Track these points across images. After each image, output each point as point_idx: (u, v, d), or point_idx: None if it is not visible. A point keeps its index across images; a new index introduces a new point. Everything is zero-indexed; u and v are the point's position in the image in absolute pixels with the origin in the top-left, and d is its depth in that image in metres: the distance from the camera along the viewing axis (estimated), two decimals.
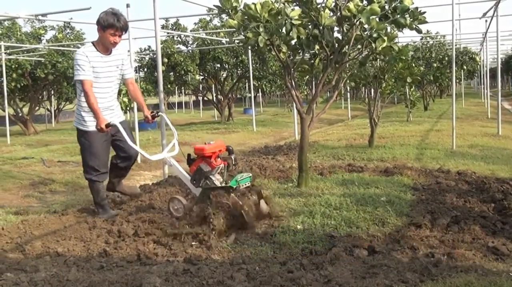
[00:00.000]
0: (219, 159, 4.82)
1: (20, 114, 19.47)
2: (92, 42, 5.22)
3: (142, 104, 5.57)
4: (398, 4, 5.22)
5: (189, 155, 5.01)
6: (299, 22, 5.19)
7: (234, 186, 4.55)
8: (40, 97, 21.35)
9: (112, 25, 5.01)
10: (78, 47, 18.92)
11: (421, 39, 20.93)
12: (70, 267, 3.73)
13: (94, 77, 5.04)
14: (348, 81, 10.29)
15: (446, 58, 20.18)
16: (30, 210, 5.87)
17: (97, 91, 5.08)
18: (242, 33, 5.47)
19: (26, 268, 3.71)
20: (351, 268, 3.56)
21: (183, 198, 4.97)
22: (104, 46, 5.15)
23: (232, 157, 4.94)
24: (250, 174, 4.84)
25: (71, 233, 4.68)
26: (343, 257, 3.79)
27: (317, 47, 5.71)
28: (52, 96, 24.43)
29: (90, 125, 5.11)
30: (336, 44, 5.58)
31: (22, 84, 18.40)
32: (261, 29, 5.12)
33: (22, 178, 8.23)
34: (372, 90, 10.23)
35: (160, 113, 5.63)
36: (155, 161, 9.39)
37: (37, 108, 21.39)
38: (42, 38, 18.75)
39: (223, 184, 4.69)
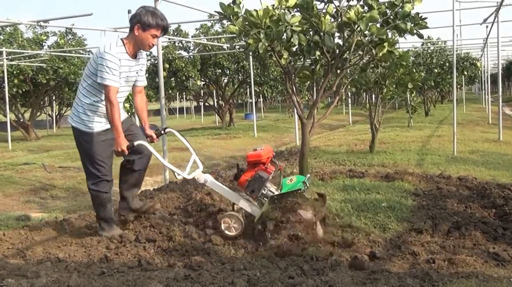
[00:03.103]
0: (270, 164, 4.51)
1: (22, 120, 19.50)
2: (122, 40, 4.48)
3: (145, 121, 4.87)
4: (399, 10, 5.24)
5: (237, 165, 4.64)
6: (300, 28, 5.21)
7: (302, 189, 4.26)
8: (41, 103, 21.39)
9: (158, 25, 4.39)
10: (80, 53, 19.05)
11: (422, 44, 20.95)
12: (71, 273, 3.73)
13: None
14: (349, 87, 10.30)
15: (447, 64, 20.19)
16: (32, 216, 5.88)
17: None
18: (243, 39, 5.49)
19: (27, 274, 3.71)
20: (352, 274, 3.57)
21: (239, 214, 4.45)
22: (136, 48, 4.50)
23: (276, 161, 4.66)
24: (308, 175, 4.56)
25: (72, 238, 4.68)
26: (344, 263, 3.79)
27: (318, 53, 5.72)
28: (54, 102, 24.51)
29: (95, 126, 4.50)
30: (337, 50, 5.60)
31: (24, 90, 18.46)
32: (262, 35, 5.14)
33: (23, 184, 8.24)
34: (373, 96, 10.22)
35: (168, 129, 4.91)
36: (156, 166, 9.43)
37: (38, 113, 21.44)
38: (43, 44, 18.80)
39: (278, 190, 4.39)
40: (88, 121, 4.50)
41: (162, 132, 4.87)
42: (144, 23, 4.34)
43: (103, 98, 4.42)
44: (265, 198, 4.41)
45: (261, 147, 4.58)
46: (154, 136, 4.81)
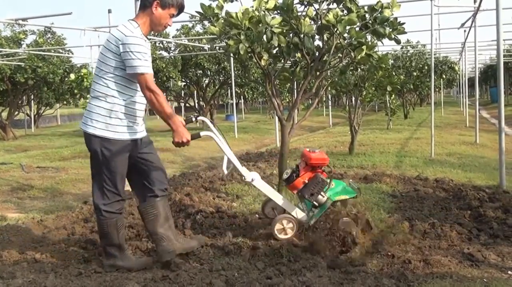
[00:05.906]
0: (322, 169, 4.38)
1: None
2: (137, 22, 3.81)
3: None
4: (379, 15, 5.31)
5: (297, 166, 4.45)
6: (280, 30, 5.24)
7: (355, 195, 4.26)
8: (19, 102, 21.09)
9: (178, 3, 3.85)
10: (59, 52, 18.85)
11: (402, 48, 21.21)
12: (48, 274, 3.70)
13: None
14: (329, 89, 10.38)
15: (426, 67, 20.45)
16: (8, 216, 5.80)
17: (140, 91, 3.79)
18: (224, 40, 5.50)
19: (3, 274, 3.67)
20: (329, 274, 3.60)
21: (293, 216, 4.31)
22: (149, 29, 3.88)
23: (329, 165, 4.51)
24: (350, 180, 4.50)
25: (50, 239, 4.64)
26: (322, 263, 3.83)
27: (298, 55, 5.76)
28: (32, 101, 24.17)
29: (126, 132, 3.78)
30: (317, 52, 5.64)
31: (1, 89, 18.19)
32: (242, 37, 5.15)
33: (0, 184, 8.13)
34: (353, 98, 10.31)
35: (201, 117, 4.49)
36: None
37: (16, 113, 21.13)
38: (22, 42, 18.56)
39: (327, 196, 4.28)
40: (120, 126, 3.76)
41: (193, 119, 4.42)
42: (166, 1, 3.80)
43: (136, 94, 3.82)
44: (314, 201, 4.30)
45: (316, 150, 4.41)
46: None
